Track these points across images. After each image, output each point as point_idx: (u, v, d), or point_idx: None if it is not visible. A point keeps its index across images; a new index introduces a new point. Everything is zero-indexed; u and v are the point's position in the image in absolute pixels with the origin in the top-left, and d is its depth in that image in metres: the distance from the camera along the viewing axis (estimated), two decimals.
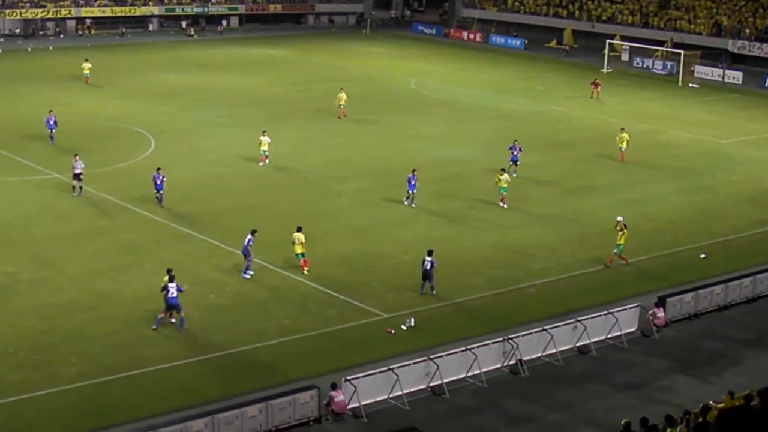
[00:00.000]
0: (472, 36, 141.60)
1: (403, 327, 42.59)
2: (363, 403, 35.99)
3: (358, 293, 46.01)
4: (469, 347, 38.91)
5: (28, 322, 42.23)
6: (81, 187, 58.74)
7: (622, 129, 72.17)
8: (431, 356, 38.10)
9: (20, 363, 38.59)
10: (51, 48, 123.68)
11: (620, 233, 50.06)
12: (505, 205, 58.69)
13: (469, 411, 36.75)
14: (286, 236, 50.33)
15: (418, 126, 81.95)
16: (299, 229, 48.63)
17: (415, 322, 42.84)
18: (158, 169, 58.54)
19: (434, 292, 46.14)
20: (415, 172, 58.46)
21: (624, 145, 70.71)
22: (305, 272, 47.99)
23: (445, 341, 40.98)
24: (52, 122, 70.90)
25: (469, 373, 38.72)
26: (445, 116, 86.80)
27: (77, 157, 59.49)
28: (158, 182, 57.97)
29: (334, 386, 35.80)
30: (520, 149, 65.78)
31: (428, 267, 45.97)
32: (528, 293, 47.51)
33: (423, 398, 37.34)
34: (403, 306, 44.74)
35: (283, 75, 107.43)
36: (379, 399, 36.74)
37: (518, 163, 65.58)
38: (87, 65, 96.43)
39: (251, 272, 47.68)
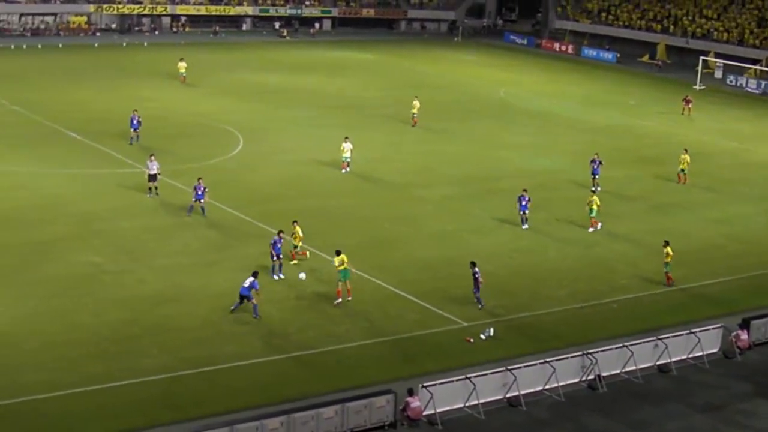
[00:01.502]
0: (564, 48, 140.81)
1: (482, 336, 42.45)
2: (439, 410, 35.94)
3: (438, 300, 45.92)
4: (547, 360, 38.69)
5: (111, 313, 42.78)
6: (156, 188, 58.95)
7: (686, 150, 70.77)
8: (509, 367, 37.96)
9: (103, 353, 39.10)
10: (145, 44, 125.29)
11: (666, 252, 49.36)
12: (597, 228, 57.42)
13: (545, 424, 36.55)
14: (367, 240, 50.50)
15: (505, 135, 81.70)
16: (295, 222, 49.83)
17: (494, 331, 42.68)
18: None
19: (481, 306, 45.55)
20: (526, 192, 57.07)
21: (684, 166, 69.03)
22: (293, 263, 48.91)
23: (523, 353, 40.82)
24: (135, 122, 70.52)
25: (547, 386, 38.51)
26: (533, 127, 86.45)
27: (152, 158, 59.78)
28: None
29: (410, 392, 35.79)
30: (600, 162, 65.11)
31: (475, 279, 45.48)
32: (610, 308, 47.10)
33: (499, 409, 37.21)
34: (482, 315, 44.59)
35: (373, 79, 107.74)
36: (455, 407, 36.67)
37: (597, 176, 64.89)
38: (183, 64, 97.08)
39: (282, 275, 47.70)
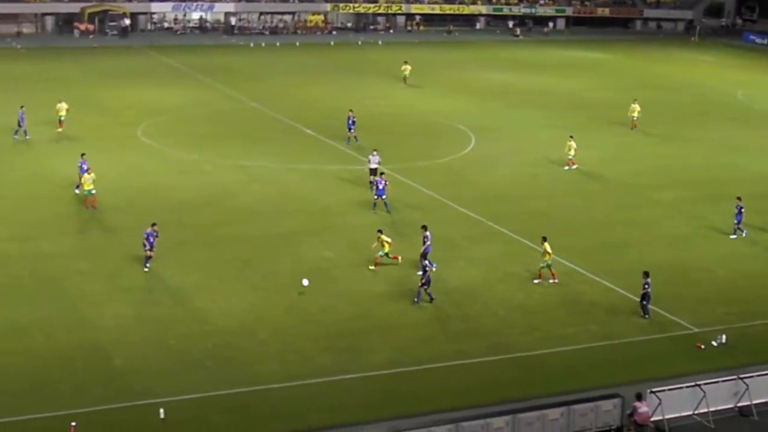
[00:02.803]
0: None
1: (714, 343, 41.47)
2: (667, 416, 35.33)
3: (668, 304, 45.09)
4: None
5: (341, 308, 43.62)
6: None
7: None
8: (741, 375, 37.00)
9: (332, 347, 39.90)
10: (380, 42, 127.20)
11: None
12: None
13: None
14: (598, 242, 49.98)
15: (741, 138, 79.37)
16: (380, 231, 48.68)
17: (726, 339, 41.66)
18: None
19: (647, 317, 44.09)
20: (740, 201, 54.85)
21: None
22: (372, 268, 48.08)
23: (757, 361, 39.65)
24: (350, 122, 71.20)
25: None
26: None
27: (375, 152, 60.82)
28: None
29: (639, 397, 35.27)
30: None
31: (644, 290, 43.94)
32: None
33: (729, 418, 36.31)
34: (714, 321, 43.56)
35: (606, 79, 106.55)
36: (683, 414, 35.99)
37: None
38: (407, 67, 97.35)
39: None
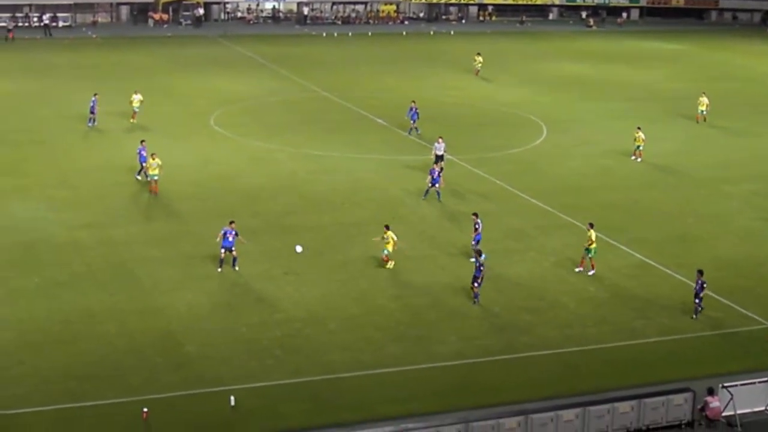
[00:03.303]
0: None
1: None
2: (739, 412, 34.99)
3: (742, 298, 44.63)
4: None
5: (411, 298, 43.66)
6: (442, 168, 59.00)
7: None
8: None
9: (401, 336, 39.97)
10: (452, 32, 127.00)
11: None
12: None
13: None
14: (670, 235, 49.66)
15: None
16: (387, 228, 46.76)
17: None
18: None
19: (695, 317, 42.88)
20: None
21: None
22: (389, 266, 46.75)
23: None
24: (413, 112, 70.92)
25: None
26: None
27: (440, 139, 61.13)
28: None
29: (710, 391, 35.00)
30: None
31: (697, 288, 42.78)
32: None
33: None
34: None
35: (680, 71, 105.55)
36: (756, 410, 35.63)
37: None
38: (479, 59, 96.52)
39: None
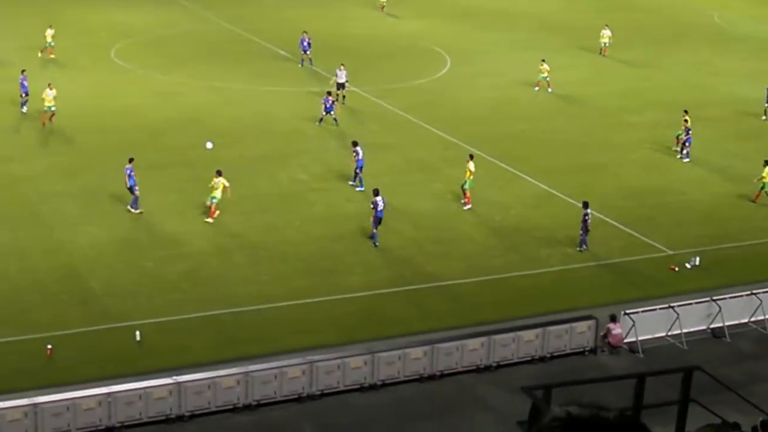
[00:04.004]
0: None
1: (688, 265, 41.75)
2: (640, 338, 35.66)
3: (644, 227, 45.31)
4: (754, 291, 37.86)
5: (317, 231, 43.62)
6: (344, 97, 59.68)
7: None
8: (714, 297, 37.29)
9: (308, 269, 40.00)
10: None
11: None
12: None
13: (749, 357, 35.99)
14: (574, 164, 50.11)
15: (717, 61, 79.02)
16: (219, 173, 44.14)
17: (700, 261, 41.92)
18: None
19: (581, 249, 43.06)
20: (687, 122, 54.65)
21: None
22: (210, 221, 43.84)
23: (730, 283, 40.01)
24: (306, 43, 70.45)
25: (753, 318, 37.71)
26: (747, 52, 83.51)
27: (342, 67, 61.24)
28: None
29: (613, 318, 35.57)
30: None
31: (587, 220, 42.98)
32: None
33: (702, 339, 36.75)
34: (688, 244, 43.81)
35: (580, 2, 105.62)
36: (656, 336, 36.33)
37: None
38: None
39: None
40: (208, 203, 44.03)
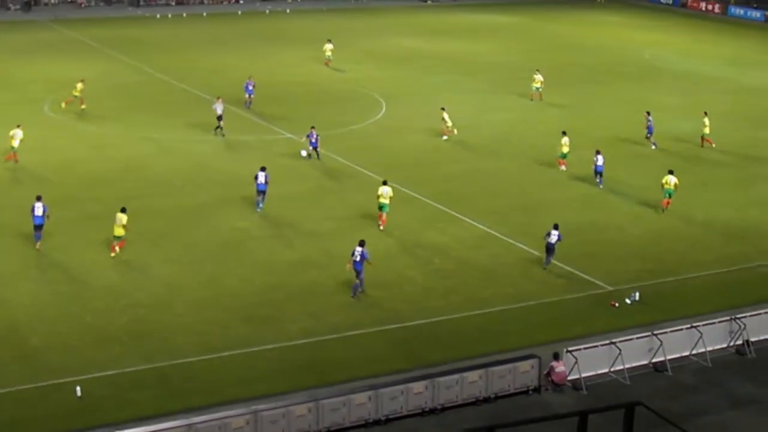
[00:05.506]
0: (710, 7, 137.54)
1: (628, 301, 42.06)
2: (584, 375, 35.77)
3: (583, 264, 45.61)
4: (694, 325, 38.18)
5: (258, 278, 43.49)
6: (221, 128, 63.73)
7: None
8: (655, 332, 37.55)
9: (250, 317, 39.81)
10: (288, 11, 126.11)
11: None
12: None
13: (692, 390, 36.14)
14: (513, 204, 50.28)
15: (651, 97, 79.92)
16: (123, 210, 45.45)
17: (640, 296, 42.24)
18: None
19: (546, 268, 45.09)
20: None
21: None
22: (112, 255, 44.96)
23: (670, 317, 40.36)
24: (250, 88, 72.33)
25: (694, 351, 38.01)
26: (679, 88, 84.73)
27: (219, 100, 64.74)
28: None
29: (556, 356, 35.69)
30: None
31: (553, 241, 44.76)
32: (759, 272, 46.19)
33: (645, 374, 36.92)
34: (628, 279, 44.18)
35: (513, 43, 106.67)
36: (599, 372, 36.48)
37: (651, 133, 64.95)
38: (329, 47, 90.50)
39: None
40: (115, 243, 45.04)
